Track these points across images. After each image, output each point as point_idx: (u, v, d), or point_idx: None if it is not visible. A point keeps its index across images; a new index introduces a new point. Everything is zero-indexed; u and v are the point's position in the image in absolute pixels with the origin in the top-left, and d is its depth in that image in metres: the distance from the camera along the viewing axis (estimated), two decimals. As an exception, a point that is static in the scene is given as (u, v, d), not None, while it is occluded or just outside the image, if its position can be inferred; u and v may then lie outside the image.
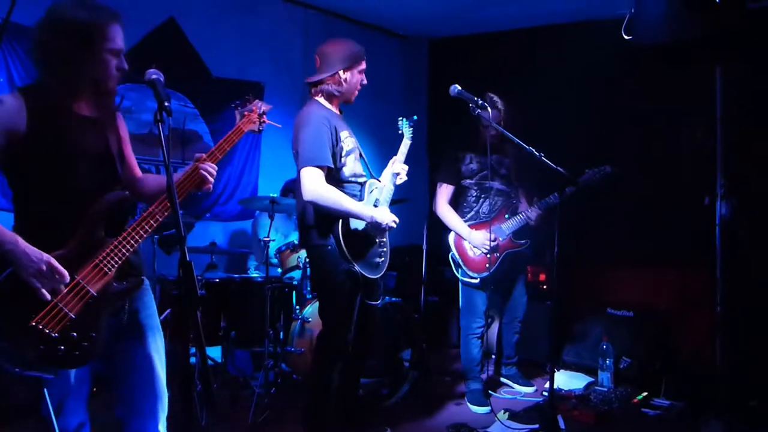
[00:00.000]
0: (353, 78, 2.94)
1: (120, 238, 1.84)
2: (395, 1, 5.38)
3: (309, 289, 4.37)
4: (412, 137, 3.22)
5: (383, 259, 3.00)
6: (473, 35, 5.98)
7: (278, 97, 5.36)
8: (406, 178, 3.12)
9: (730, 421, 3.40)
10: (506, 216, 3.86)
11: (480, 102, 3.08)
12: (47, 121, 1.80)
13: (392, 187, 3.05)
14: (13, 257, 1.68)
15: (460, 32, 6.05)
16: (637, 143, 4.86)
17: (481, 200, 3.86)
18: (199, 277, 3.85)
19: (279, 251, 4.29)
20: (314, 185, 2.75)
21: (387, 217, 2.87)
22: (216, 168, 2.00)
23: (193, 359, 2.31)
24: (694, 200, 4.08)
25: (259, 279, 4.03)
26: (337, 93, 2.94)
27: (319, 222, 2.87)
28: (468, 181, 3.87)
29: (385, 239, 3.02)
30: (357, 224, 2.87)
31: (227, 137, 2.10)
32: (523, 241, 3.88)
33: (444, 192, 3.89)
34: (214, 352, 4.13)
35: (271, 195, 3.93)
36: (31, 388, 1.85)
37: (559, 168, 3.10)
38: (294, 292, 4.20)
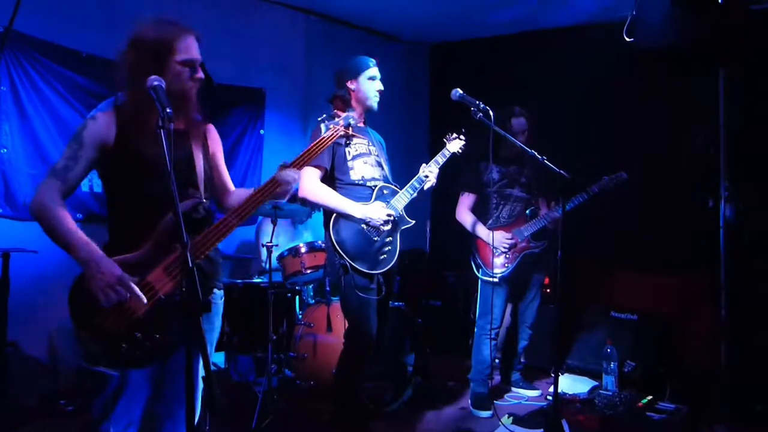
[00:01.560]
0: (362, 85, 3.12)
1: (191, 244, 1.89)
2: (396, 7, 5.39)
3: (312, 293, 4.37)
4: (459, 151, 3.29)
5: (386, 256, 3.06)
6: (474, 39, 5.99)
7: (280, 102, 5.37)
8: (434, 181, 3.17)
9: (735, 425, 3.39)
10: (526, 220, 3.95)
11: (482, 106, 3.08)
12: (132, 134, 1.93)
13: (411, 192, 3.11)
14: (86, 266, 1.80)
15: (461, 37, 6.06)
16: (639, 146, 4.85)
17: (501, 206, 3.96)
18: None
19: (281, 256, 4.28)
20: (306, 183, 2.99)
21: (378, 214, 2.96)
22: (300, 174, 2.14)
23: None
24: (698, 203, 4.08)
25: (262, 284, 4.02)
26: (346, 104, 3.12)
27: (324, 218, 3.09)
28: (489, 189, 3.97)
29: (391, 237, 3.07)
30: (354, 221, 2.99)
31: (310, 149, 2.21)
32: (540, 243, 3.94)
33: (466, 200, 4.03)
34: (218, 358, 4.13)
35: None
36: (94, 385, 1.92)
37: (561, 171, 3.09)
38: (297, 297, 4.19)
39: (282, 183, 2.06)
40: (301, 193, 3.00)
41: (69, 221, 1.85)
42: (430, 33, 6.17)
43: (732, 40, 2.75)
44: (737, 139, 3.77)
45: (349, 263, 2.95)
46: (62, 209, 1.86)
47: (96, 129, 1.92)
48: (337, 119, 2.41)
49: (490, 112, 3.07)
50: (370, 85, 3.12)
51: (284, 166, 2.10)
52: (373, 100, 3.15)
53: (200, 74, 2.04)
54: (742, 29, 2.73)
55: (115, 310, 1.79)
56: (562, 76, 4.99)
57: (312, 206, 3.38)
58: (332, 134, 2.33)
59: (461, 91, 3.12)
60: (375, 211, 2.97)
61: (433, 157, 3.25)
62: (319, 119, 2.44)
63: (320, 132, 2.41)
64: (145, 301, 1.82)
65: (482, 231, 3.91)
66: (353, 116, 2.49)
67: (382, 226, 3.00)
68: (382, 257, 3.05)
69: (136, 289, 1.81)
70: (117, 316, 1.80)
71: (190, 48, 2.01)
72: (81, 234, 1.84)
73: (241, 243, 5.20)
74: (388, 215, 2.99)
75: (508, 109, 3.90)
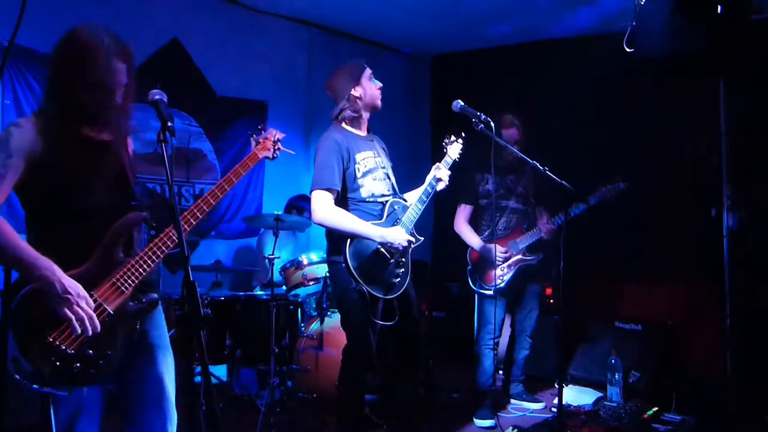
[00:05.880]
0: (366, 89, 3.03)
1: (137, 258, 1.88)
2: (398, 19, 5.42)
3: (314, 306, 4.36)
4: (458, 156, 3.23)
5: (400, 279, 2.95)
6: (476, 51, 6.01)
7: (282, 115, 5.39)
8: (447, 183, 3.12)
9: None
10: (522, 232, 3.96)
11: (483, 117, 3.07)
12: (62, 145, 1.82)
13: (420, 206, 3.02)
14: (47, 285, 1.69)
15: (462, 48, 6.09)
16: (641, 156, 4.85)
17: (498, 218, 3.96)
18: (204, 296, 3.84)
19: (284, 269, 4.28)
20: (320, 208, 2.85)
21: (399, 237, 2.86)
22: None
23: (197, 378, 2.29)
24: (701, 212, 4.07)
25: (264, 297, 4.02)
26: (356, 113, 3.03)
27: (334, 238, 2.95)
28: (485, 200, 3.99)
29: (404, 259, 2.97)
30: (369, 244, 2.86)
31: (243, 163, 2.21)
32: (536, 255, 3.95)
33: (462, 212, 4.05)
34: (220, 371, 4.11)
35: (276, 213, 3.93)
36: (42, 406, 1.85)
37: (563, 182, 3.09)
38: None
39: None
40: (316, 219, 2.86)
41: (16, 235, 1.71)
42: (431, 45, 6.20)
43: (732, 49, 2.75)
44: (739, 147, 3.77)
45: (366, 289, 2.81)
46: (5, 222, 1.70)
47: (24, 137, 1.78)
48: (265, 133, 2.39)
49: (492, 124, 3.06)
50: (372, 85, 3.03)
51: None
52: (378, 99, 3.05)
53: (132, 94, 1.95)
54: (742, 39, 2.74)
55: (65, 328, 1.72)
56: (563, 87, 5.00)
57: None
58: (262, 147, 2.34)
59: (462, 103, 3.10)
60: (395, 235, 2.85)
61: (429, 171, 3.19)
62: (249, 133, 2.42)
63: (251, 146, 2.39)
64: (98, 326, 1.75)
65: (476, 244, 3.93)
66: (278, 131, 2.45)
67: (399, 250, 2.89)
68: (396, 280, 2.94)
69: (93, 315, 1.75)
70: (69, 333, 1.72)
71: (123, 71, 1.90)
72: (32, 249, 1.71)
73: (243, 255, 5.20)
74: (409, 241, 2.88)
75: (500, 119, 3.85)
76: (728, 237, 3.70)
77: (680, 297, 4.61)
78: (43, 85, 1.91)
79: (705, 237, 4.12)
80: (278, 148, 2.38)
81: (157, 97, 1.78)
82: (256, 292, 4.31)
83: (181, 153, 4.74)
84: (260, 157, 2.32)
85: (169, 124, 1.69)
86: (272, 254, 3.88)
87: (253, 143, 2.37)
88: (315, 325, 4.05)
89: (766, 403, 3.67)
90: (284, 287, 4.33)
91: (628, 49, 2.91)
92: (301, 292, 4.24)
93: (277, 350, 3.75)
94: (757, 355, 3.78)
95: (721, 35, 2.70)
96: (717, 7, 2.63)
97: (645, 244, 4.84)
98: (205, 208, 2.01)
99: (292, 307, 4.13)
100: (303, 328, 4.09)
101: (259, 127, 2.40)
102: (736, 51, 2.78)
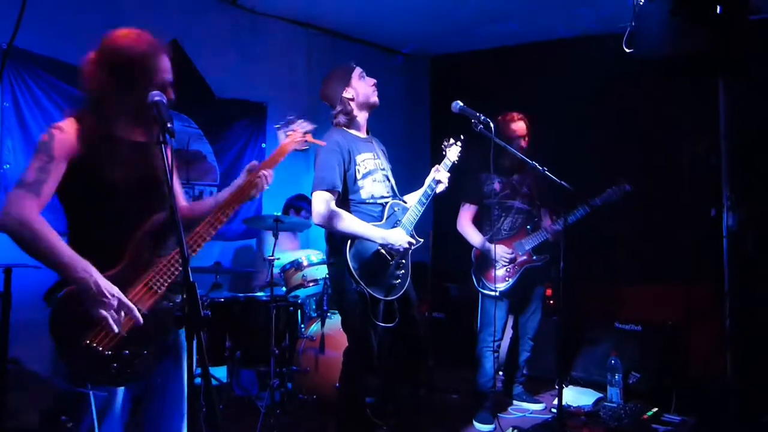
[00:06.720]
0: (357, 88, 3.01)
1: (169, 258, 1.91)
2: (397, 20, 5.42)
3: (314, 307, 4.35)
4: (457, 159, 3.23)
5: (400, 280, 2.96)
6: (475, 51, 6.01)
7: (281, 116, 5.36)
8: (447, 185, 3.13)
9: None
10: (527, 233, 3.93)
11: (482, 118, 3.07)
12: (99, 147, 1.87)
13: (419, 208, 3.02)
14: (84, 287, 1.72)
15: (462, 48, 6.09)
16: (640, 157, 4.85)
17: (502, 218, 3.95)
18: (204, 297, 3.84)
19: (284, 270, 4.27)
20: (321, 209, 2.84)
21: (400, 239, 2.86)
22: (272, 173, 2.16)
23: (197, 380, 2.28)
24: (700, 213, 4.07)
25: (264, 298, 4.02)
26: (348, 115, 3.02)
27: (334, 240, 2.95)
28: (490, 200, 3.97)
29: (404, 261, 2.98)
30: (369, 245, 2.86)
31: (272, 158, 2.19)
32: (542, 256, 3.93)
33: (466, 211, 4.03)
34: (220, 372, 4.10)
35: (275, 214, 3.93)
36: (74, 406, 1.88)
37: (563, 183, 3.09)
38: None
39: (256, 184, 2.10)
40: (317, 220, 2.86)
41: (57, 238, 1.74)
42: (430, 45, 6.20)
43: (731, 50, 2.75)
44: (738, 148, 3.77)
45: (367, 291, 2.82)
46: (47, 225, 1.75)
47: (65, 140, 1.84)
48: (293, 125, 2.36)
49: (491, 124, 3.05)
50: (364, 83, 3.02)
51: (255, 169, 2.13)
52: (373, 96, 3.03)
53: (172, 95, 1.97)
54: (741, 39, 2.74)
55: (102, 330, 1.75)
56: (562, 87, 5.00)
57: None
58: (291, 140, 2.31)
59: (461, 104, 3.10)
60: (396, 237, 2.86)
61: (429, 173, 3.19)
62: (276, 126, 2.40)
63: (279, 140, 2.37)
64: (141, 319, 1.80)
65: (480, 242, 3.91)
66: (308, 122, 2.44)
67: (400, 252, 2.89)
68: (396, 282, 2.95)
69: (134, 308, 1.79)
70: (105, 335, 1.76)
71: (167, 69, 1.96)
72: (72, 251, 1.75)
73: (243, 257, 5.19)
74: (409, 243, 2.88)
75: (507, 115, 3.91)
76: (728, 237, 3.70)
77: (680, 297, 4.61)
78: (87, 87, 1.92)
79: (705, 237, 4.12)
80: (309, 140, 2.34)
81: (156, 98, 1.78)
82: (255, 294, 4.31)
83: (181, 155, 4.74)
84: (289, 150, 2.28)
85: (169, 125, 1.69)
86: (272, 255, 3.87)
87: (282, 136, 2.33)
88: (315, 327, 4.05)
89: (766, 403, 3.67)
90: (284, 288, 4.33)
91: (627, 50, 2.91)
92: (301, 293, 4.23)
93: (277, 351, 3.74)
94: (757, 355, 3.79)
95: (721, 35, 2.70)
96: (716, 7, 2.63)
97: (645, 244, 4.84)
98: (229, 212, 2.07)
99: (291, 308, 4.13)
100: (303, 330, 4.09)
101: (290, 118, 2.36)
102: (735, 51, 2.78)
